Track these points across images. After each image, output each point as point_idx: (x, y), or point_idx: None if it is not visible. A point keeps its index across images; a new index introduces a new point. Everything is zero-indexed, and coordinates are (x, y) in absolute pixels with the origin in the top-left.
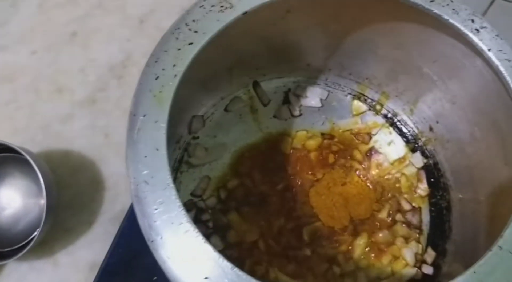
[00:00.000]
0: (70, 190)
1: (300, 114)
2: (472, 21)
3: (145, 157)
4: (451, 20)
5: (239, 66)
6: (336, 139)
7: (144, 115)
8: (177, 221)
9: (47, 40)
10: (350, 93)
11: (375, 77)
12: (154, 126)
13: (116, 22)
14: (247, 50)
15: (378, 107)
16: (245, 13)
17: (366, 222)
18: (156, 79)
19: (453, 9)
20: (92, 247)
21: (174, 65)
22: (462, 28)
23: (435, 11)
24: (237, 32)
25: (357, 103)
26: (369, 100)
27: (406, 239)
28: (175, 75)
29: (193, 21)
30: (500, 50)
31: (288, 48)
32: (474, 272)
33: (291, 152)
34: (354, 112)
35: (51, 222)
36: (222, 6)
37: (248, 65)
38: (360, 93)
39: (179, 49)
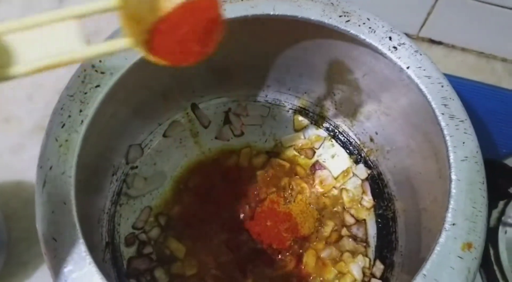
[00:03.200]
0: (24, 222)
1: (242, 133)
2: (390, 38)
3: (52, 212)
4: (368, 40)
5: (174, 90)
6: (281, 156)
7: (51, 168)
8: (88, 278)
9: None
10: (291, 109)
11: (313, 91)
12: (61, 178)
13: None
14: (180, 74)
15: (320, 120)
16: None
17: (311, 240)
18: (62, 127)
19: (370, 27)
20: (49, 280)
21: (80, 111)
22: (380, 47)
23: (352, 31)
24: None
25: (298, 118)
26: (310, 114)
27: (353, 254)
28: (82, 121)
29: (100, 61)
30: (419, 67)
31: (222, 69)
32: None
33: (237, 171)
34: (297, 127)
35: (4, 257)
36: None
37: (184, 88)
38: (301, 107)
39: (85, 93)
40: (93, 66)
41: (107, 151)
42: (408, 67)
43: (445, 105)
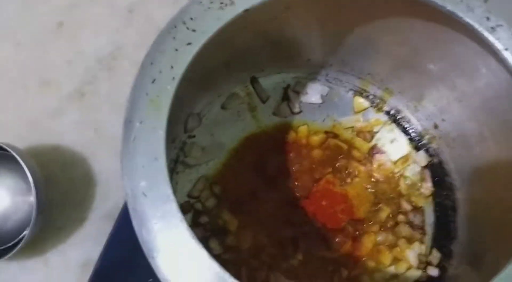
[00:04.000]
0: (60, 187)
1: (300, 111)
2: (488, 18)
3: (143, 167)
4: (465, 18)
5: (237, 62)
6: (339, 137)
7: (141, 122)
8: (178, 237)
9: (32, 32)
10: (351, 89)
11: (377, 73)
12: (151, 134)
13: (104, 13)
14: (245, 46)
15: (380, 104)
16: (246, 10)
17: (367, 223)
18: (152, 82)
19: (468, 5)
20: (84, 246)
21: (172, 67)
22: (477, 26)
23: (449, 8)
24: (236, 29)
25: (359, 99)
26: (371, 97)
27: (409, 240)
28: (173, 78)
29: (191, 19)
30: None
31: (288, 44)
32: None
33: (293, 148)
34: (356, 109)
35: (41, 220)
36: (222, 3)
37: (246, 61)
38: (362, 89)
39: (176, 50)
40: (184, 22)
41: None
42: (506, 49)
43: None
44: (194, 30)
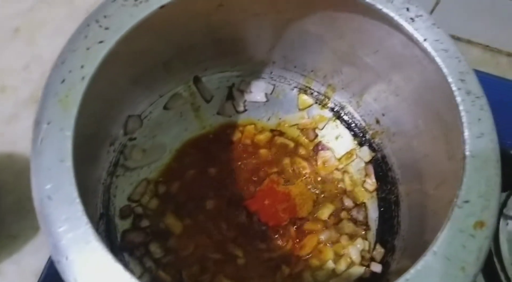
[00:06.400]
0: (14, 194)
1: (245, 110)
2: (407, 9)
3: (49, 169)
4: (384, 9)
5: (177, 60)
6: (285, 135)
7: (49, 123)
8: (84, 239)
9: None
10: (296, 87)
11: (320, 69)
12: (59, 135)
13: (62, 15)
14: (183, 43)
15: (325, 100)
16: (162, 7)
17: (310, 221)
18: (62, 82)
19: None
20: (38, 254)
21: (82, 66)
22: (396, 17)
23: (368, 0)
24: (158, 27)
25: (303, 97)
26: (315, 94)
27: (352, 237)
28: (83, 78)
29: (105, 17)
30: (437, 40)
31: (228, 41)
32: (407, 280)
33: (239, 147)
34: (301, 106)
35: None
36: (136, 0)
37: (187, 59)
38: (306, 86)
39: (88, 49)
40: (97, 21)
41: (106, 119)
42: (425, 40)
43: (461, 80)
44: (107, 28)
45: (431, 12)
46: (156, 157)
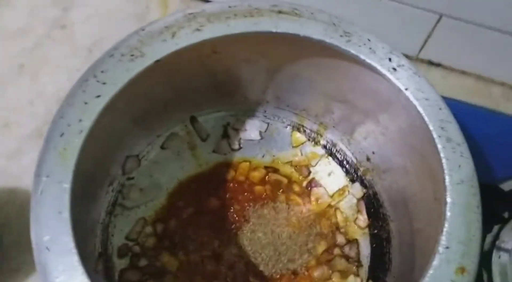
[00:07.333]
0: (17, 228)
1: (240, 148)
2: (390, 59)
3: (48, 220)
4: (367, 60)
5: (174, 103)
6: (279, 172)
7: (47, 176)
8: None
9: None
10: (289, 125)
11: (311, 109)
12: (57, 188)
13: (65, 53)
14: (180, 87)
15: (317, 138)
16: (158, 61)
17: (302, 259)
18: (61, 136)
19: (370, 48)
20: None
21: (80, 120)
22: (379, 67)
23: (352, 51)
24: (154, 78)
25: (296, 134)
26: (308, 131)
27: (344, 273)
28: (81, 131)
29: (102, 72)
30: (418, 89)
31: (224, 84)
32: None
33: (233, 185)
34: (294, 144)
35: None
36: (132, 55)
37: (184, 101)
38: (299, 124)
39: (86, 103)
40: (95, 76)
41: (105, 161)
42: (406, 89)
43: (442, 128)
44: (104, 83)
45: (424, 44)
46: (153, 195)
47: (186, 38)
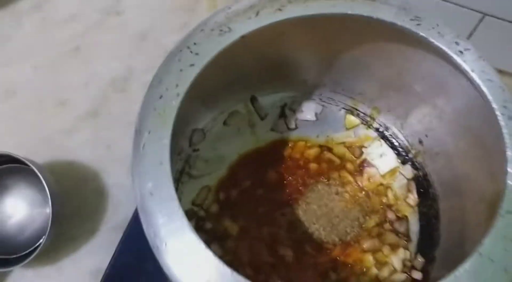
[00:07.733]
0: (74, 200)
1: (296, 128)
2: (457, 43)
3: (150, 170)
4: (436, 43)
5: (238, 83)
6: (333, 152)
7: (149, 132)
8: (180, 230)
9: (49, 56)
10: (343, 108)
11: (367, 93)
12: (158, 142)
13: (117, 39)
14: (245, 68)
15: (370, 121)
16: (243, 36)
17: (354, 232)
18: (160, 98)
19: (439, 32)
20: (95, 254)
21: (176, 85)
22: (447, 50)
23: (422, 34)
24: (236, 53)
25: (350, 117)
26: (361, 115)
27: (394, 246)
28: (178, 95)
29: (194, 44)
30: (483, 71)
31: (285, 66)
32: (455, 276)
33: (289, 161)
34: (348, 126)
35: (56, 230)
36: (221, 30)
37: (247, 82)
38: (353, 107)
39: (181, 70)
40: (188, 47)
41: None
42: (473, 70)
43: (504, 107)
44: (197, 54)
45: None
46: (216, 167)
47: (269, 17)
